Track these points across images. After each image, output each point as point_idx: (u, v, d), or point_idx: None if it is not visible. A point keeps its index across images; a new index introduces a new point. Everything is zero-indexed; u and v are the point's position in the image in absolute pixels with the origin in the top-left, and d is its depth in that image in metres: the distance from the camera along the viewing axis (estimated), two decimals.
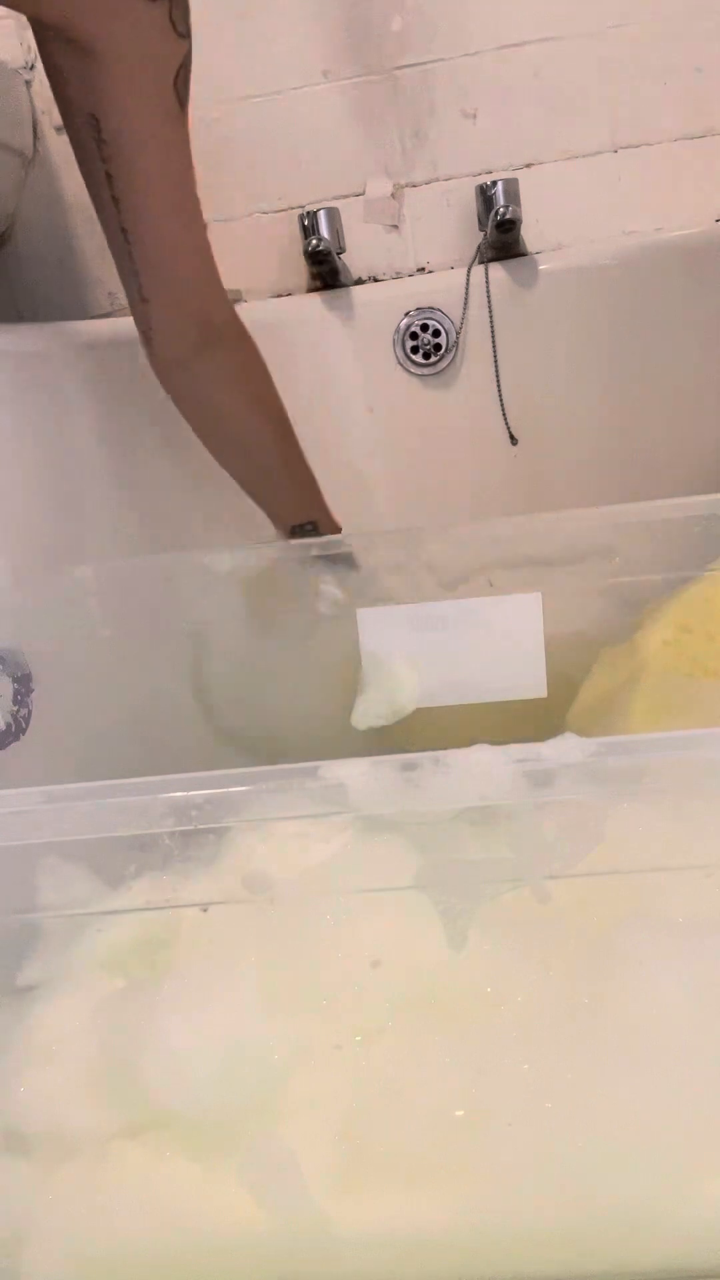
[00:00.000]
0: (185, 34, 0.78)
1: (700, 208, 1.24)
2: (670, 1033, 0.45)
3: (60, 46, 0.75)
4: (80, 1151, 0.46)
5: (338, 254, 1.24)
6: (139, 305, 0.84)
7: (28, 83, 1.25)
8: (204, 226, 0.84)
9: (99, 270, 1.33)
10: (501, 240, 1.22)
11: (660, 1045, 0.45)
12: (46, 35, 0.76)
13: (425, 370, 1.28)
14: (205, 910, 0.50)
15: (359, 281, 1.31)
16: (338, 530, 0.92)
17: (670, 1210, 0.44)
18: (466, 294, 1.23)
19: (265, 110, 1.26)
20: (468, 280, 1.23)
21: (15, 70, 1.24)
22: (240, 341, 0.88)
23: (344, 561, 0.88)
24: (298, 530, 0.91)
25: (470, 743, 0.45)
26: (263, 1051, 0.46)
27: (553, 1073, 0.44)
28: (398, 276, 1.31)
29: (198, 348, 0.85)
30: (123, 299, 1.19)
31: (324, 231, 1.23)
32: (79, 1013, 0.49)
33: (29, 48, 1.24)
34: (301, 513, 0.91)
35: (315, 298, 1.28)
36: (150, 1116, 0.46)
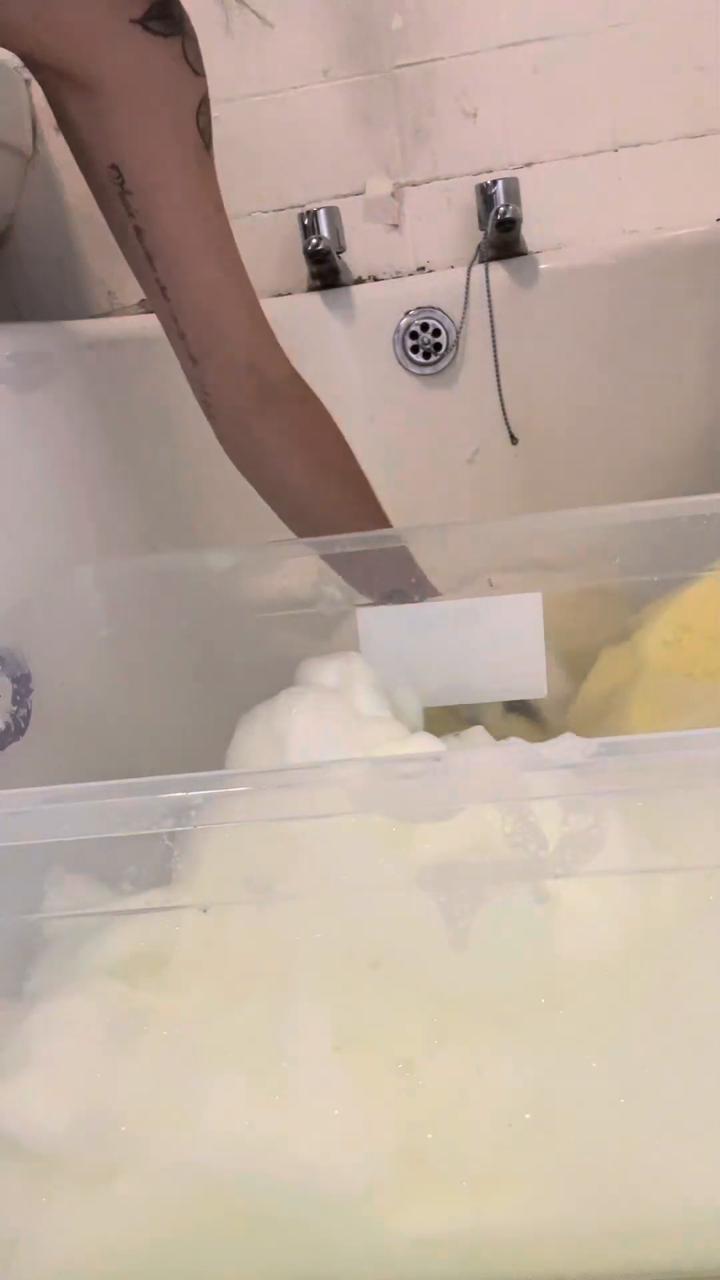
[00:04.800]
0: (201, 72, 0.72)
1: (700, 207, 1.23)
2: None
3: (67, 92, 0.70)
4: (79, 1158, 0.46)
5: (337, 253, 1.24)
6: (189, 366, 0.79)
7: (27, 82, 1.25)
8: (246, 275, 0.78)
9: (99, 269, 1.33)
10: (502, 239, 1.22)
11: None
12: (50, 81, 0.70)
13: (425, 370, 1.28)
14: (205, 911, 0.50)
15: (359, 281, 1.31)
16: (437, 594, 0.81)
17: None
18: (466, 293, 1.23)
19: (265, 110, 1.26)
20: (468, 280, 1.23)
21: (15, 69, 1.24)
22: (302, 399, 0.82)
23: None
24: (391, 597, 0.80)
25: None
26: (267, 1055, 0.46)
27: (620, 1072, 0.45)
28: (398, 276, 1.31)
29: (255, 408, 0.79)
30: (122, 298, 1.20)
31: (324, 231, 1.23)
32: (80, 1018, 0.48)
33: None
34: (387, 580, 0.81)
35: (315, 297, 1.28)
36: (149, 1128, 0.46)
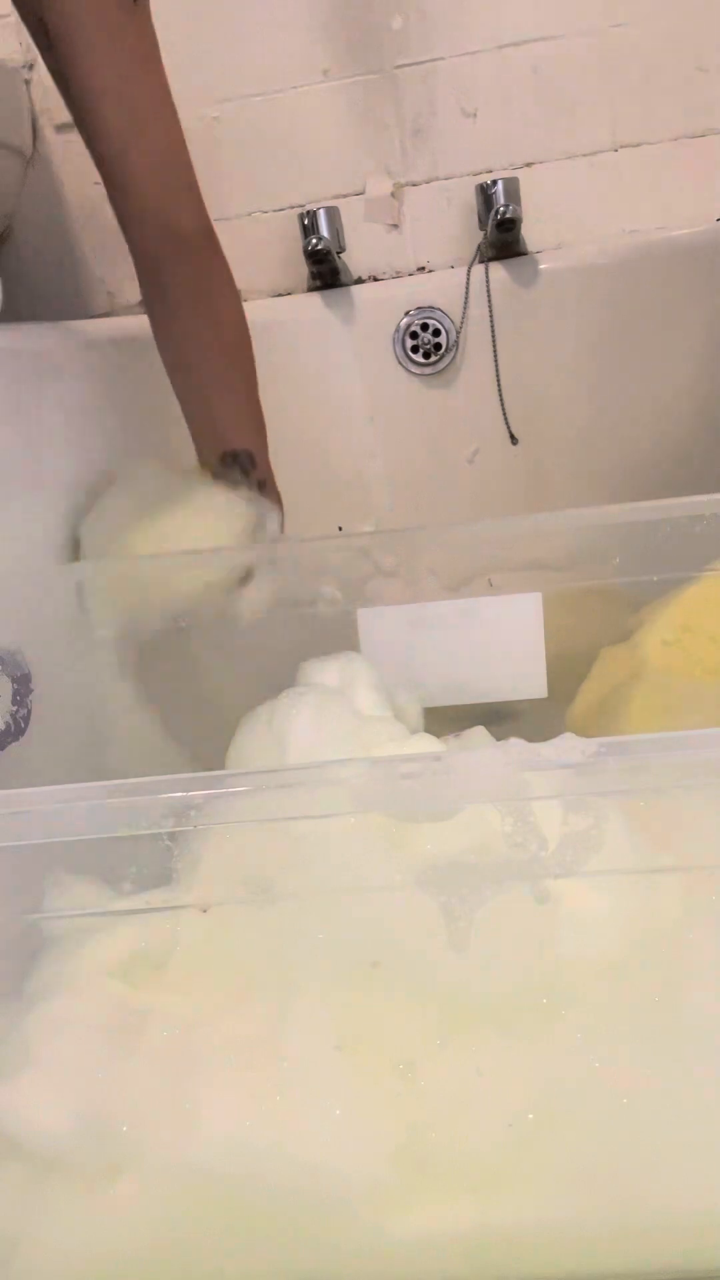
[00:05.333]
0: None
1: (700, 207, 1.23)
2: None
3: None
4: (79, 1158, 0.45)
5: (337, 253, 1.24)
6: (114, 211, 0.82)
7: (27, 81, 1.25)
8: (168, 124, 0.80)
9: (99, 269, 1.33)
10: (502, 239, 1.22)
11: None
12: None
13: (425, 370, 1.28)
14: (205, 911, 0.50)
15: (359, 281, 1.31)
16: (270, 474, 0.85)
17: None
18: (467, 293, 1.23)
19: (265, 110, 1.26)
20: (468, 279, 1.23)
21: (15, 69, 1.23)
22: (205, 252, 0.84)
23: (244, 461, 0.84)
24: (228, 458, 0.85)
25: None
26: (267, 1055, 0.46)
27: (621, 1072, 0.44)
28: (398, 276, 1.31)
29: (164, 256, 0.82)
30: (122, 298, 1.19)
31: (324, 231, 1.23)
32: (80, 1018, 0.48)
33: (28, 47, 1.24)
34: (234, 439, 0.86)
35: (315, 297, 1.28)
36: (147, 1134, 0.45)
